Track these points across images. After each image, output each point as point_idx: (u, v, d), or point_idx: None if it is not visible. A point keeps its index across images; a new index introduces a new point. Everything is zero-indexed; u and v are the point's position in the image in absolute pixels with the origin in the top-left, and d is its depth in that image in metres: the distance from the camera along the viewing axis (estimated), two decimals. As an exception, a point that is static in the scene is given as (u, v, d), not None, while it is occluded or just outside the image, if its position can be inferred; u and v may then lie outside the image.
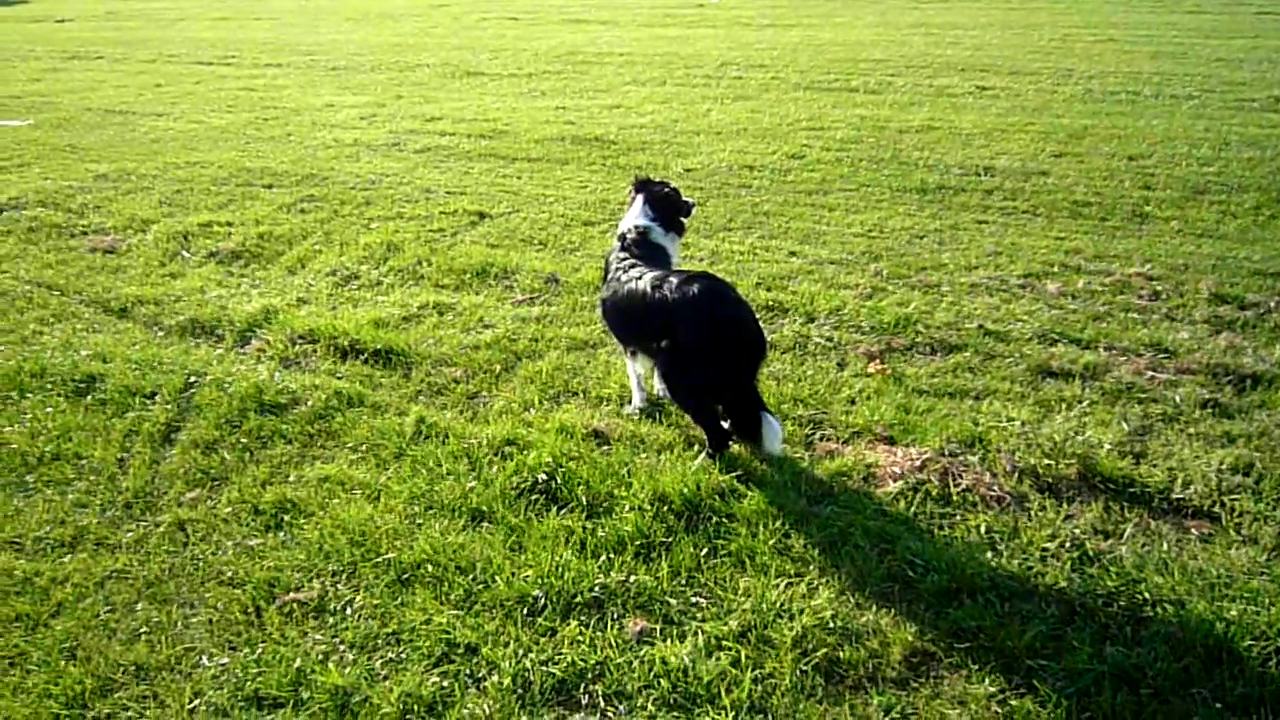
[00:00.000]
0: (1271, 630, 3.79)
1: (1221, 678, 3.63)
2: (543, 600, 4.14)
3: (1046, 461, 5.09)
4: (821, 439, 5.48)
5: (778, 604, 4.09)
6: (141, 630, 4.05)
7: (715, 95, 16.46)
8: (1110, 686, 3.61)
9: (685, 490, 4.85)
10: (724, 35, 24.73)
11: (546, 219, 9.62)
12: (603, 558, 4.40)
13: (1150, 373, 6.14)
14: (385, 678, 3.78)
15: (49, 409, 5.81)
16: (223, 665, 3.85)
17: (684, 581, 4.28)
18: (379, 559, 4.41)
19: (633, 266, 5.52)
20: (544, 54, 21.97)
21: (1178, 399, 5.80)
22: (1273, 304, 7.14)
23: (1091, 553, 4.39)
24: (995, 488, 4.90)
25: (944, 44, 21.66)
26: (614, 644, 3.90)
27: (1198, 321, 6.93)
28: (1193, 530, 4.60)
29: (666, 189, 6.18)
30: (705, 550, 4.45)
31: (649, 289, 5.21)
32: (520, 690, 3.69)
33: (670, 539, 4.54)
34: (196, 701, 3.67)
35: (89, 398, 5.93)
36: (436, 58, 21.75)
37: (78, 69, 21.59)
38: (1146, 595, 4.08)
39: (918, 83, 16.97)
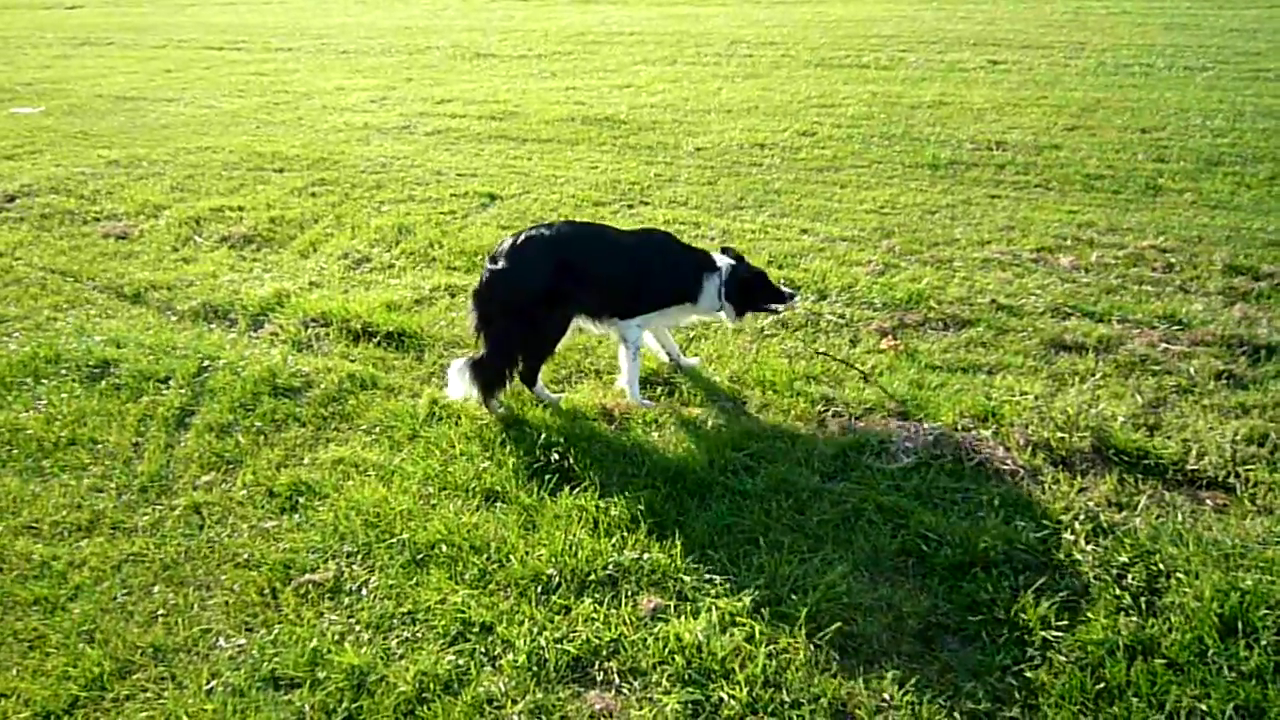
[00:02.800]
0: (1287, 601, 3.77)
1: (1237, 648, 3.61)
2: (557, 579, 4.15)
3: (1060, 435, 5.07)
4: (834, 415, 5.47)
5: (791, 579, 4.09)
6: (159, 612, 4.08)
7: (726, 73, 16.39)
8: (1125, 658, 3.60)
9: (698, 468, 4.86)
10: (734, 13, 24.60)
11: (557, 200, 9.60)
12: (616, 536, 4.41)
13: (1164, 345, 6.10)
14: (401, 657, 3.80)
15: (64, 394, 5.84)
16: (240, 646, 3.87)
17: (698, 558, 4.28)
18: (393, 540, 4.43)
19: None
20: (554, 35, 21.90)
21: (1192, 371, 5.77)
22: (1289, 275, 7.09)
23: (1106, 525, 4.38)
24: (1009, 461, 4.89)
25: (955, 19, 21.50)
26: (628, 621, 3.91)
27: (1212, 293, 6.89)
28: (1207, 501, 4.59)
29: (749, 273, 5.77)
30: (719, 527, 4.45)
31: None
32: (535, 668, 3.70)
33: (683, 516, 4.54)
34: (214, 682, 3.69)
35: (103, 383, 5.96)
36: (446, 40, 21.72)
37: (88, 55, 21.63)
38: (1161, 566, 4.07)
39: (929, 58, 16.86)
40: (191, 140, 12.77)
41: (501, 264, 5.32)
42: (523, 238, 5.39)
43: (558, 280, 5.34)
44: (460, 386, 5.45)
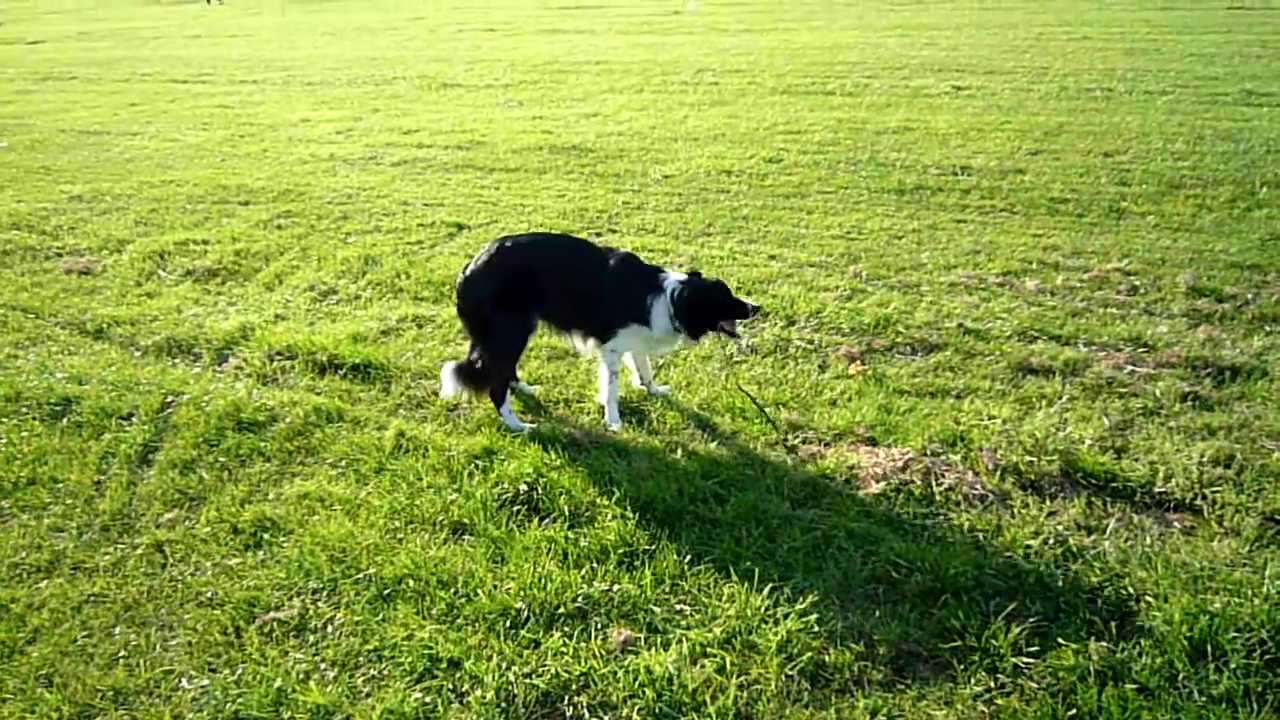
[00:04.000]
0: (1255, 622, 3.78)
1: (1207, 672, 3.62)
2: (526, 612, 4.10)
3: (1028, 459, 5.09)
4: (804, 442, 5.46)
5: (762, 609, 4.07)
6: (120, 654, 3.99)
7: (692, 101, 16.48)
8: (1096, 683, 3.60)
9: (668, 497, 4.83)
10: (700, 41, 24.79)
11: (525, 229, 9.58)
12: (586, 567, 4.37)
13: (1130, 367, 6.15)
14: (367, 695, 3.74)
15: (24, 433, 5.74)
16: (203, 687, 3.80)
17: (668, 589, 4.25)
18: (359, 575, 4.37)
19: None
20: (521, 64, 21.97)
21: (1158, 393, 5.81)
22: (1250, 296, 7.18)
23: (1075, 549, 4.39)
24: (978, 486, 4.90)
25: (920, 45, 21.76)
26: (598, 654, 3.87)
27: (1176, 315, 6.96)
28: (1175, 524, 4.61)
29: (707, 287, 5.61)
30: (688, 557, 4.42)
31: None
32: (504, 704, 3.65)
33: (653, 546, 4.51)
34: (176, 725, 3.63)
35: (65, 420, 5.87)
36: (413, 70, 21.73)
37: (51, 90, 21.47)
38: (1130, 590, 4.08)
39: (894, 84, 17.04)
40: (155, 174, 12.67)
41: (468, 271, 5.66)
42: (487, 247, 5.69)
43: (511, 286, 5.55)
44: (451, 386, 5.79)
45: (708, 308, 5.56)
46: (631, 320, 5.62)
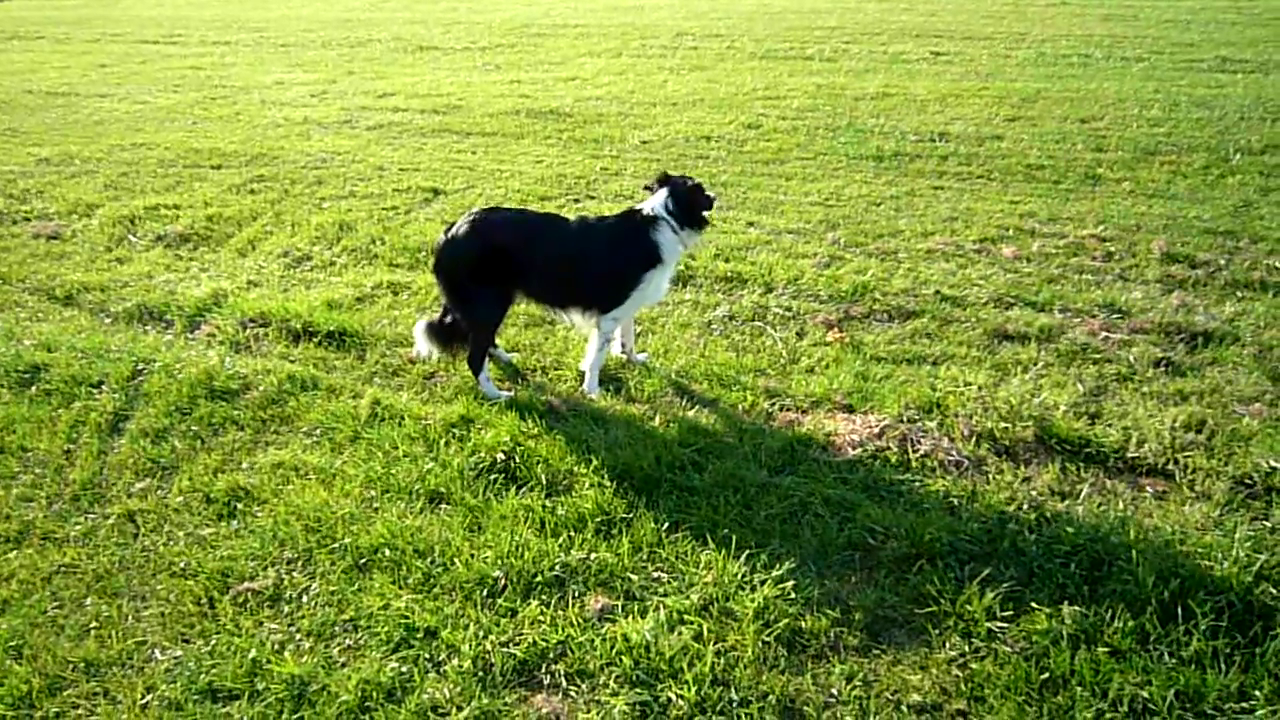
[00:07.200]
0: (1224, 584, 3.83)
1: (1177, 634, 3.66)
2: (503, 581, 4.09)
3: (1004, 425, 5.11)
4: (781, 409, 5.46)
5: (739, 576, 4.07)
6: (91, 625, 3.95)
7: (671, 66, 16.36)
8: (1069, 647, 3.63)
9: (645, 465, 4.82)
10: (680, 5, 24.58)
11: (502, 195, 9.51)
12: (563, 536, 4.36)
13: (1104, 333, 6.18)
14: (343, 665, 3.72)
15: (-8, 401, 5.67)
16: (176, 658, 3.77)
17: (645, 557, 4.25)
18: (335, 545, 4.34)
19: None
20: (498, 27, 21.73)
21: (1131, 359, 5.84)
22: (1222, 262, 7.22)
23: (1049, 514, 4.41)
24: (953, 452, 4.92)
25: (898, 10, 21.66)
26: (575, 622, 3.87)
27: (1150, 281, 6.99)
28: (1147, 488, 4.64)
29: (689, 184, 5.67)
30: (666, 524, 4.41)
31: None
32: (481, 673, 3.65)
33: (631, 514, 4.50)
34: (149, 696, 3.59)
35: (33, 388, 5.79)
36: (389, 32, 21.44)
37: (17, 50, 21.06)
38: (1103, 554, 4.11)
39: (872, 49, 16.96)
40: (126, 137, 12.47)
41: (449, 235, 5.54)
42: (470, 215, 5.57)
43: (492, 257, 5.47)
44: (423, 345, 5.81)
45: (705, 196, 5.65)
46: (647, 268, 5.55)
